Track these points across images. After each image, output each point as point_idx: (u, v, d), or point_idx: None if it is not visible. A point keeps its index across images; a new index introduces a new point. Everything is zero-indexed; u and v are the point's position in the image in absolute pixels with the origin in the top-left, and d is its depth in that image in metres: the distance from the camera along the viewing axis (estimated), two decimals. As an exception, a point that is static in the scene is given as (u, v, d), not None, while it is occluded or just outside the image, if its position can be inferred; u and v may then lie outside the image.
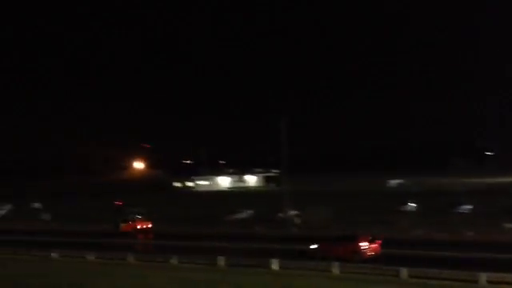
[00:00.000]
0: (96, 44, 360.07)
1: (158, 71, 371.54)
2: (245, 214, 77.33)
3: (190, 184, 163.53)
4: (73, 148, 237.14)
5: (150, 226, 71.50)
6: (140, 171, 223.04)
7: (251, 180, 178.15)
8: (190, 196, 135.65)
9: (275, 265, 40.19)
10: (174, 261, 44.38)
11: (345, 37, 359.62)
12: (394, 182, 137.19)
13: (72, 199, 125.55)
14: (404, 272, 34.98)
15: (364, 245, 42.86)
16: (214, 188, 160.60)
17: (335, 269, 37.72)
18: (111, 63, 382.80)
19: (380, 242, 43.99)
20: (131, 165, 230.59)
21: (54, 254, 50.18)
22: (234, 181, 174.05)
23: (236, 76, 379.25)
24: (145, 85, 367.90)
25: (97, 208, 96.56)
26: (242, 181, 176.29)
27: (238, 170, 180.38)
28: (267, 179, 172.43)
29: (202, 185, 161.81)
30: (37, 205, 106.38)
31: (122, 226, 70.98)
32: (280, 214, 70.88)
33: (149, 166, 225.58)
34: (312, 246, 44.80)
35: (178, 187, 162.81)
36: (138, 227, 70.62)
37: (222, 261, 42.48)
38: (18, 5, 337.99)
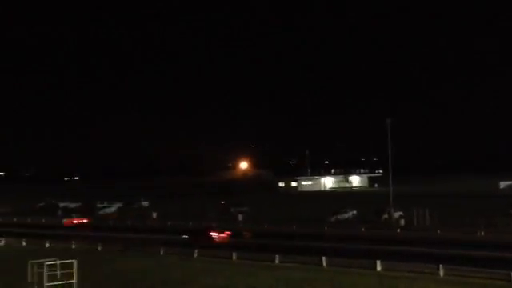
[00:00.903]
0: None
1: (263, 72, 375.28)
2: (348, 215, 76.62)
3: (293, 184, 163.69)
4: (183, 148, 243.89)
5: (85, 221, 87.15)
6: (245, 171, 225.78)
7: (355, 180, 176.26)
8: (293, 196, 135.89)
9: (379, 266, 39.48)
10: (277, 260, 44.48)
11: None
12: (505, 184, 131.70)
13: (180, 198, 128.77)
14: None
15: (214, 235, 58.34)
16: (318, 188, 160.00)
17: (442, 271, 36.61)
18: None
19: (229, 233, 59.19)
20: (237, 165, 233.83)
21: (161, 251, 51.66)
22: (338, 181, 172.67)
23: (341, 76, 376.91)
24: (249, 86, 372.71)
25: (202, 206, 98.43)
26: (347, 181, 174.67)
27: (342, 170, 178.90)
28: (371, 180, 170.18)
29: (306, 185, 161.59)
30: (145, 203, 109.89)
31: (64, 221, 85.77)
32: (384, 215, 69.74)
33: (254, 165, 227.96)
34: (184, 236, 59.31)
35: (282, 187, 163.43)
36: (75, 222, 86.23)
37: (325, 261, 42.19)
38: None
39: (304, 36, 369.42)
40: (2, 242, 63.89)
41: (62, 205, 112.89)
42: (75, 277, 31.02)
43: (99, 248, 55.72)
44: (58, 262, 31.30)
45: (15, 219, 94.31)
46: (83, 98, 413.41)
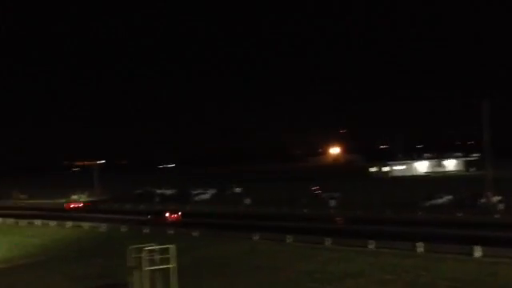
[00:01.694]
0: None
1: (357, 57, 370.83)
2: (443, 200, 74.76)
3: (385, 169, 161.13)
4: (274, 135, 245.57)
5: (81, 205, 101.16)
6: (336, 157, 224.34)
7: (450, 164, 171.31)
8: (385, 181, 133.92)
9: (478, 252, 38.43)
10: (371, 246, 44.13)
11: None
12: None
13: (271, 184, 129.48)
14: None
15: (167, 215, 73.53)
16: (411, 173, 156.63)
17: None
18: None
19: (179, 213, 74.45)
20: (328, 151, 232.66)
21: (254, 236, 52.29)
22: (432, 165, 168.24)
23: (437, 58, 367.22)
24: (348, 72, 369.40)
25: (294, 193, 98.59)
26: (441, 165, 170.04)
27: (436, 154, 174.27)
28: (467, 164, 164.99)
29: (399, 170, 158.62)
30: (237, 189, 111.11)
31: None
32: (482, 200, 67.64)
33: (345, 151, 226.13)
34: (148, 216, 73.79)
35: (373, 172, 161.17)
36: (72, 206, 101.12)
37: (421, 247, 41.53)
38: None
39: (390, 19, 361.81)
40: (104, 228, 66.57)
41: (158, 192, 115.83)
42: (173, 261, 31.86)
43: (195, 234, 57.01)
44: (157, 247, 32.21)
45: (115, 206, 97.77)
46: (177, 86, 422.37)
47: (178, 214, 74.50)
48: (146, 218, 73.01)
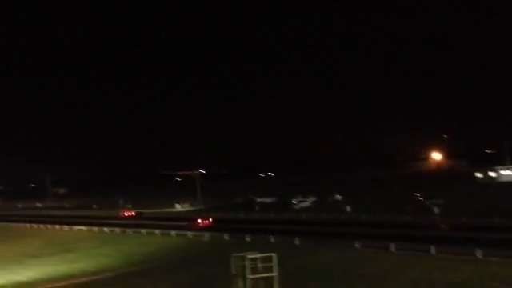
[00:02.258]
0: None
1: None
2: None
3: (492, 174, 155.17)
4: (376, 142, 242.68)
5: (133, 214, 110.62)
6: (439, 162, 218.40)
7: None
8: (492, 187, 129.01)
9: None
10: (479, 254, 42.51)
11: None
12: None
13: (373, 191, 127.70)
14: None
15: (199, 222, 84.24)
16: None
17: None
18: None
19: (210, 219, 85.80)
20: (430, 156, 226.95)
21: (356, 244, 51.65)
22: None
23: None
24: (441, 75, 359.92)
25: (396, 199, 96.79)
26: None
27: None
28: None
29: (506, 175, 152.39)
30: (338, 197, 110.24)
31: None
32: None
33: (448, 156, 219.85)
34: (185, 223, 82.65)
35: (479, 178, 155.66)
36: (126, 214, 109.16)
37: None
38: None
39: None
40: (207, 236, 67.78)
41: (258, 200, 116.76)
42: (275, 270, 31.97)
43: (296, 242, 56.96)
44: (259, 255, 32.42)
45: (217, 215, 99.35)
46: (283, 95, 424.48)
47: (209, 220, 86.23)
48: (184, 224, 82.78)
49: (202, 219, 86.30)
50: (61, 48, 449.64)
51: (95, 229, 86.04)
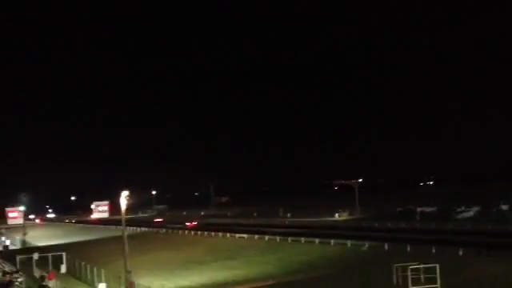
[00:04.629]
0: None
1: None
2: None
3: None
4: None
5: (195, 223, 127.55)
6: None
7: None
8: None
9: None
10: None
11: None
12: None
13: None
14: None
15: (188, 224, 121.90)
16: None
17: None
18: None
19: (195, 223, 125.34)
20: None
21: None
22: None
23: None
24: None
25: None
26: None
27: None
28: None
29: None
30: (504, 207, 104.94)
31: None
32: None
33: None
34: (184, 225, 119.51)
35: None
36: (188, 224, 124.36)
37: None
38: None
39: None
40: (366, 246, 67.18)
41: (419, 209, 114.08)
42: (438, 282, 31.25)
43: (460, 253, 54.97)
44: (421, 265, 31.86)
45: (376, 224, 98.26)
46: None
47: (194, 223, 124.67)
48: (182, 225, 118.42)
49: (190, 222, 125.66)
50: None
51: (256, 237, 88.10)
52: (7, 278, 20.23)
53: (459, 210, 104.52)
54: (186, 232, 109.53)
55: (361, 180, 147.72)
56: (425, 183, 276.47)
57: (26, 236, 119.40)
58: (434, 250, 57.31)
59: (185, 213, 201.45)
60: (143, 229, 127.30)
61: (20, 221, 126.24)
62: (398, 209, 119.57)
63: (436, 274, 31.44)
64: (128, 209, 49.54)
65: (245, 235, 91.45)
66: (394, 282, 32.00)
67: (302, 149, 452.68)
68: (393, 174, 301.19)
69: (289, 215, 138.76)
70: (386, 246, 64.06)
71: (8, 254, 77.15)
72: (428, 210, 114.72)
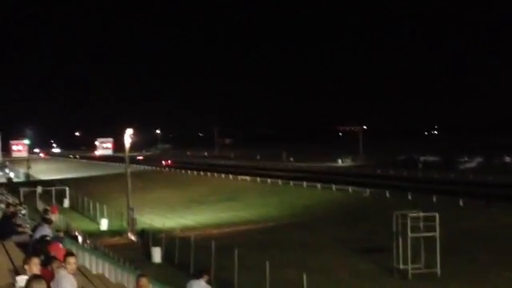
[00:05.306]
0: None
1: None
2: None
3: None
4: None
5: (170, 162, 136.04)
6: None
7: None
8: None
9: None
10: None
11: None
12: None
13: None
14: None
15: (163, 162, 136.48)
16: None
17: None
18: None
19: (169, 161, 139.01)
20: None
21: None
22: None
23: None
24: None
25: None
26: None
27: None
28: None
29: None
30: (508, 159, 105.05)
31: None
32: None
33: None
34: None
35: None
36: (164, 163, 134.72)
37: None
38: None
39: None
40: (367, 193, 67.43)
41: (422, 158, 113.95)
42: (437, 230, 31.38)
43: (460, 203, 55.11)
44: (421, 214, 32.01)
45: (378, 171, 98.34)
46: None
47: (168, 161, 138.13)
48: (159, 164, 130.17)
49: (165, 160, 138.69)
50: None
51: (258, 179, 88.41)
52: (11, 209, 20.31)
53: (462, 159, 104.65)
54: (189, 172, 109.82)
55: (365, 127, 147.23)
56: (429, 133, 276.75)
57: (30, 170, 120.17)
58: (435, 200, 57.54)
59: (189, 153, 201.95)
60: (147, 167, 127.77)
61: (24, 154, 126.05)
62: (401, 157, 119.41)
63: (435, 222, 31.57)
64: (132, 147, 49.65)
65: (247, 177, 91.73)
66: (394, 228, 32.15)
67: (310, 95, 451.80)
68: (401, 123, 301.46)
69: (292, 159, 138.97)
70: (388, 194, 64.31)
71: (12, 187, 77.67)
72: (431, 159, 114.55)
